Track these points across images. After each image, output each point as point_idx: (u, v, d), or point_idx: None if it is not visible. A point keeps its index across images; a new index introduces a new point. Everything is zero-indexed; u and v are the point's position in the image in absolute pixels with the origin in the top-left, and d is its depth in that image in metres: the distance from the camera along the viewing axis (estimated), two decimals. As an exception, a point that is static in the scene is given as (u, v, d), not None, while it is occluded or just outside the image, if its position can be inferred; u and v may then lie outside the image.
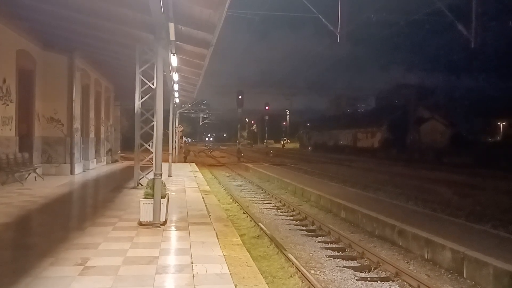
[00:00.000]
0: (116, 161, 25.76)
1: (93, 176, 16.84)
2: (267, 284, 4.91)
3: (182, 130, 41.21)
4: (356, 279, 6.41)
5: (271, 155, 46.37)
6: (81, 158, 17.33)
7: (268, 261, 7.14)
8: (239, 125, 50.77)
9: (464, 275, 6.41)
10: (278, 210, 12.44)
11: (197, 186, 13.96)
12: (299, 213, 11.57)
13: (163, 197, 7.38)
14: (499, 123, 56.15)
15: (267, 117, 79.72)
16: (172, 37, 8.76)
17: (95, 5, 9.45)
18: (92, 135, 19.51)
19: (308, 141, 75.50)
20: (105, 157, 23.24)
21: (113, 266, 4.98)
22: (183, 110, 43.38)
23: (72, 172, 15.85)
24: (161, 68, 8.01)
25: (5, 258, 5.40)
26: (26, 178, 13.50)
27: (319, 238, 8.99)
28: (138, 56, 11.92)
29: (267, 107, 63.43)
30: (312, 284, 5.80)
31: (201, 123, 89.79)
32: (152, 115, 11.84)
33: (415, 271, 6.71)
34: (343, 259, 7.48)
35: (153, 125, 11.34)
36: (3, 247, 6.07)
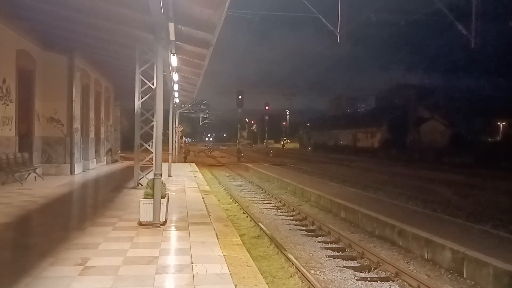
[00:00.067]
0: (116, 161, 25.76)
1: (93, 176, 16.84)
2: (267, 284, 4.90)
3: (182, 130, 41.21)
4: (356, 279, 6.41)
5: (271, 155, 46.39)
6: (81, 158, 17.33)
7: (268, 261, 7.14)
8: (239, 125, 50.75)
9: (464, 275, 6.41)
10: (278, 210, 12.44)
11: (197, 186, 13.95)
12: (299, 213, 11.57)
13: (163, 197, 7.38)
14: (499, 123, 56.19)
15: (267, 117, 79.72)
16: (172, 37, 8.76)
17: (95, 5, 9.45)
18: (92, 135, 19.51)
19: (308, 141, 75.51)
20: (105, 157, 23.24)
21: (113, 266, 4.98)
22: (183, 110, 43.39)
23: (72, 172, 15.86)
24: (161, 68, 8.01)
25: (5, 258, 5.40)
26: (26, 178, 13.50)
27: (319, 238, 8.99)
28: (138, 56, 11.92)
29: (267, 107, 63.43)
30: (312, 284, 5.80)
31: (201, 123, 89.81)
32: (152, 115, 11.84)
33: (415, 271, 6.71)
34: (343, 259, 7.48)
35: (153, 125, 11.34)
36: (3, 247, 6.07)
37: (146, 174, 12.59)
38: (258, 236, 8.91)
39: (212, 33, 8.91)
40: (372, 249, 7.89)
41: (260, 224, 9.75)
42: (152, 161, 11.55)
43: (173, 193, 11.47)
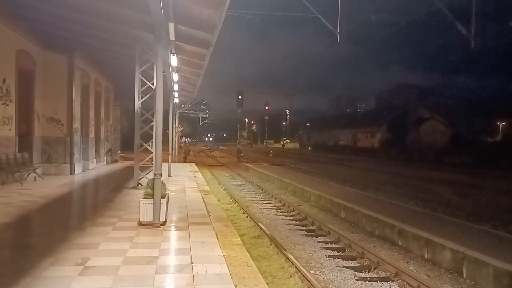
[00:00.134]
0: (116, 161, 25.76)
1: (93, 176, 16.84)
2: (267, 284, 4.91)
3: (182, 130, 41.22)
4: (356, 279, 6.41)
5: (271, 155, 46.41)
6: (81, 158, 17.33)
7: (268, 261, 7.14)
8: (239, 125, 50.75)
9: (464, 275, 6.41)
10: (278, 210, 12.44)
11: (197, 186, 13.96)
12: (299, 213, 11.57)
13: (163, 197, 7.38)
14: (499, 123, 56.19)
15: (267, 117, 79.75)
16: (172, 37, 8.76)
17: (95, 5, 9.45)
18: (92, 135, 19.51)
19: (308, 141, 75.52)
20: (105, 157, 23.24)
21: (113, 266, 4.98)
22: (183, 110, 43.42)
23: (72, 172, 15.86)
24: (161, 68, 8.02)
25: (5, 258, 5.40)
26: (26, 178, 13.50)
27: (319, 238, 8.99)
28: (138, 56, 11.92)
29: (267, 107, 63.45)
30: (312, 284, 5.80)
31: (201, 123, 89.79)
32: (152, 115, 11.84)
33: (415, 271, 6.71)
34: (343, 259, 7.48)
35: (153, 125, 11.35)
36: (3, 247, 6.07)
37: (146, 174, 12.59)
38: (258, 236, 8.91)
39: (212, 33, 8.91)
40: (372, 249, 7.89)
41: (260, 224, 9.75)
42: (152, 161, 11.56)
43: (173, 193, 11.47)
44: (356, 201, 11.63)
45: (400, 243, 8.27)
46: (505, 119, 54.28)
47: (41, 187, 12.38)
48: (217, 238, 6.62)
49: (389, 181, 19.22)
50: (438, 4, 15.07)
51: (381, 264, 6.90)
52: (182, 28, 8.94)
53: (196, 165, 26.15)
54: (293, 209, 12.20)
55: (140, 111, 12.29)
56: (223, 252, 5.78)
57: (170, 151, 20.07)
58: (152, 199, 7.20)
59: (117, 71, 19.02)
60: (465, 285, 6.22)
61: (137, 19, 9.30)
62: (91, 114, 19.49)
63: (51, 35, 14.07)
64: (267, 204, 13.44)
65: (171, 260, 5.43)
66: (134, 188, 12.21)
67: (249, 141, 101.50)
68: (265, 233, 8.86)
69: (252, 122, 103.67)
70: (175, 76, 14.29)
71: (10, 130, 12.86)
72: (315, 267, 6.93)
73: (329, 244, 8.53)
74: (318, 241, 8.73)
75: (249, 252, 6.29)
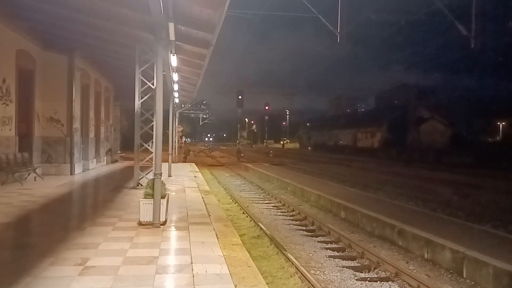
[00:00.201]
0: (116, 161, 25.76)
1: (93, 176, 16.84)
2: (267, 284, 4.91)
3: (182, 130, 41.23)
4: (356, 279, 6.41)
5: (271, 155, 46.40)
6: (80, 158, 17.33)
7: (268, 261, 7.14)
8: (239, 125, 50.79)
9: (464, 275, 6.41)
10: (278, 210, 12.44)
11: (197, 186, 13.96)
12: (299, 213, 11.57)
13: (163, 197, 7.38)
14: (499, 123, 56.20)
15: (267, 117, 79.76)
16: (172, 37, 8.76)
17: (95, 5, 9.45)
18: (92, 135, 19.51)
19: (308, 141, 75.51)
20: (105, 157, 23.24)
21: (113, 266, 4.98)
22: (183, 110, 43.41)
23: (72, 172, 15.86)
24: (161, 68, 8.02)
25: (5, 258, 5.40)
26: (26, 178, 13.50)
27: (319, 238, 8.99)
28: (138, 56, 11.93)
29: (267, 107, 63.44)
30: (312, 284, 5.80)
31: (201, 123, 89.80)
32: (152, 115, 11.85)
33: (415, 271, 6.71)
34: (343, 259, 7.48)
35: (153, 125, 11.35)
36: (3, 247, 6.07)
37: (146, 174, 12.60)
38: (258, 236, 8.91)
39: (212, 33, 8.91)
40: (372, 249, 7.89)
41: (260, 224, 9.75)
42: (152, 161, 11.56)
43: (173, 193, 11.47)
44: (356, 201, 11.63)
45: (400, 243, 8.27)
46: (505, 119, 54.30)
47: (41, 187, 12.38)
48: (217, 238, 6.62)
49: (389, 181, 19.22)
50: (438, 4, 15.08)
51: (381, 264, 6.90)
52: (182, 28, 8.94)
53: (196, 165, 26.15)
54: (293, 209, 12.20)
55: (140, 111, 12.29)
56: (223, 252, 5.78)
57: (170, 151, 20.07)
58: (152, 199, 7.20)
59: (117, 71, 19.02)
60: (465, 285, 6.22)
61: (137, 19, 9.30)
62: (91, 114, 19.49)
63: (51, 35, 14.07)
64: (267, 204, 13.44)
65: (171, 260, 5.44)
66: (134, 188, 12.22)
67: (249, 141, 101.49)
68: (265, 233, 8.86)
69: (252, 122, 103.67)
70: (175, 76, 14.29)
71: (10, 130, 12.86)
72: (315, 267, 6.93)
73: (329, 244, 8.53)
74: (318, 241, 8.73)
75: (249, 252, 6.29)
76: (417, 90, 54.45)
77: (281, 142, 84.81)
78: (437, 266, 6.99)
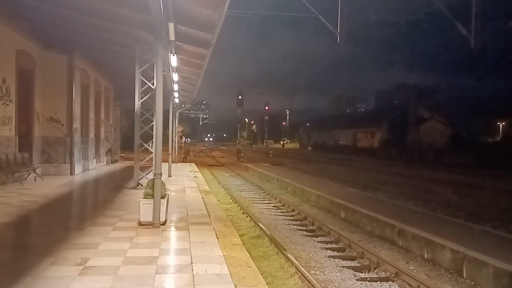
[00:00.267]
0: (116, 161, 25.76)
1: (93, 176, 16.84)
2: (267, 284, 4.91)
3: (182, 130, 41.23)
4: (356, 279, 6.41)
5: (271, 155, 46.38)
6: (80, 158, 17.33)
7: (268, 261, 7.14)
8: (239, 125, 50.81)
9: (464, 275, 6.41)
10: (278, 210, 12.44)
11: (196, 186, 13.96)
12: (298, 213, 11.57)
13: (162, 197, 7.38)
14: (499, 123, 56.22)
15: (267, 117, 79.72)
16: (172, 37, 8.76)
17: (95, 5, 9.45)
18: (91, 135, 19.51)
19: (308, 141, 75.53)
20: (105, 157, 23.24)
21: (113, 266, 4.98)
22: (183, 110, 43.40)
23: (71, 172, 15.86)
24: (161, 68, 8.02)
25: (5, 258, 5.40)
26: (26, 178, 13.50)
27: (319, 238, 8.99)
28: (138, 56, 11.93)
29: (267, 107, 63.41)
30: (311, 284, 5.80)
31: (201, 123, 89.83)
32: (152, 115, 11.85)
33: (414, 271, 6.71)
34: (343, 259, 7.48)
35: (153, 125, 11.35)
36: (3, 247, 6.07)
37: (146, 174, 12.60)
38: (258, 236, 8.91)
39: (212, 33, 8.91)
40: (372, 249, 7.89)
41: (260, 224, 9.75)
42: (152, 161, 11.56)
43: (173, 193, 11.47)
44: (356, 201, 11.63)
45: (400, 243, 8.27)
46: (505, 119, 54.31)
47: (41, 187, 12.38)
48: (217, 238, 6.62)
49: (389, 181, 19.22)
50: (438, 4, 15.08)
51: (381, 264, 6.90)
52: (182, 28, 8.94)
53: (196, 165, 26.16)
54: (293, 209, 12.20)
55: (140, 111, 12.29)
56: (223, 252, 5.78)
57: (170, 151, 20.07)
58: (152, 199, 7.20)
59: (117, 71, 19.01)
60: (465, 285, 6.22)
61: (137, 19, 9.30)
62: (91, 114, 19.49)
63: (51, 35, 14.07)
64: (267, 204, 13.44)
65: (171, 260, 5.44)
66: (134, 188, 12.21)
67: (249, 141, 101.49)
68: (265, 233, 8.86)
69: (252, 122, 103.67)
70: (175, 76, 14.29)
71: (10, 130, 12.86)
72: (315, 267, 6.93)
73: (329, 244, 8.53)
74: (318, 241, 8.73)
75: (249, 252, 6.29)
76: (417, 90, 54.52)
77: (281, 142, 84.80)
78: (437, 266, 6.99)
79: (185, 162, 30.05)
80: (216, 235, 6.82)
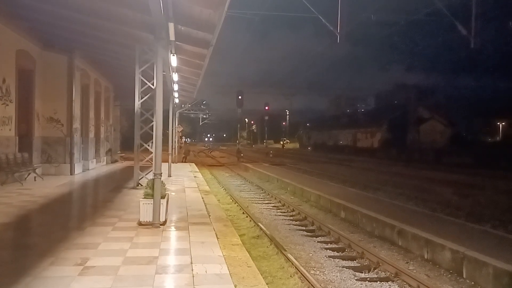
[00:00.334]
0: (115, 161, 25.76)
1: (93, 176, 16.84)
2: (267, 284, 4.91)
3: (182, 130, 41.22)
4: (356, 279, 6.41)
5: (271, 155, 46.38)
6: (80, 158, 17.33)
7: (268, 261, 7.14)
8: (238, 125, 50.83)
9: (464, 275, 6.41)
10: (278, 210, 12.45)
11: (196, 186, 13.96)
12: (298, 213, 11.57)
13: (162, 197, 7.38)
14: (498, 123, 56.24)
15: (266, 117, 79.71)
16: (172, 37, 8.76)
17: (95, 5, 9.45)
18: (91, 135, 19.51)
19: (308, 141, 75.55)
20: (105, 157, 23.25)
21: (113, 266, 4.98)
22: (183, 110, 43.42)
23: (71, 172, 15.86)
24: (161, 68, 8.02)
25: (5, 258, 5.40)
26: (26, 178, 13.50)
27: (319, 238, 8.99)
28: (138, 56, 11.93)
29: (267, 107, 63.41)
30: (311, 284, 5.80)
31: (200, 123, 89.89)
32: (152, 115, 11.85)
33: (414, 271, 6.71)
34: (343, 259, 7.48)
35: (152, 125, 11.35)
36: (3, 247, 6.07)
37: (146, 174, 12.60)
38: (258, 236, 8.91)
39: (212, 33, 8.91)
40: (372, 249, 7.89)
41: (259, 224, 9.75)
42: (152, 161, 11.56)
43: (173, 193, 11.47)
44: (355, 201, 11.63)
45: (400, 243, 8.27)
46: (505, 119, 54.36)
47: (41, 187, 12.38)
48: (217, 238, 6.62)
49: (389, 181, 19.23)
50: (438, 4, 15.08)
51: (381, 264, 6.90)
52: (182, 28, 8.94)
53: (196, 165, 26.16)
54: (293, 209, 12.20)
55: (140, 111, 12.29)
56: (223, 252, 5.78)
57: (170, 151, 20.08)
58: (152, 199, 7.20)
59: (117, 71, 19.02)
60: (465, 285, 6.22)
61: (137, 19, 9.30)
62: (91, 114, 19.49)
63: (51, 35, 14.07)
64: (267, 204, 13.44)
65: (171, 260, 5.44)
66: (134, 188, 12.22)
67: (249, 141, 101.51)
68: (265, 233, 8.86)
69: (252, 122, 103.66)
70: (175, 76, 14.30)
71: (10, 130, 12.86)
72: (315, 267, 6.93)
73: (329, 244, 8.53)
74: (318, 241, 8.73)
75: (249, 252, 6.29)
76: (417, 90, 54.50)
77: (281, 142, 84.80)
78: (437, 266, 6.99)
79: (185, 162, 30.05)
80: (216, 235, 6.82)
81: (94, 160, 19.96)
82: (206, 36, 9.27)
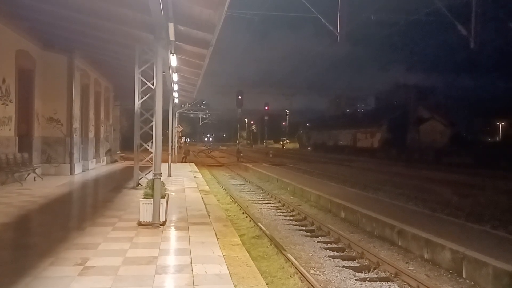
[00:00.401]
0: (115, 161, 25.76)
1: (93, 176, 16.84)
2: (267, 284, 4.91)
3: (182, 130, 41.21)
4: (356, 279, 6.41)
5: (271, 155, 46.39)
6: (80, 158, 17.33)
7: (268, 261, 7.14)
8: (238, 125, 50.78)
9: (464, 275, 6.41)
10: (278, 210, 12.44)
11: (196, 186, 13.96)
12: (298, 213, 11.57)
13: (162, 197, 7.39)
14: (498, 123, 56.26)
15: (266, 117, 79.72)
16: (172, 37, 8.76)
17: (95, 5, 9.45)
18: (91, 135, 19.51)
19: (308, 141, 75.53)
20: (105, 157, 23.25)
21: (112, 266, 4.98)
22: (183, 110, 43.42)
23: (71, 172, 15.85)
24: (161, 68, 8.03)
25: (5, 258, 5.40)
26: (26, 178, 13.50)
27: (319, 238, 8.99)
28: (138, 56, 11.93)
29: (266, 107, 63.46)
30: (311, 284, 5.80)
31: (200, 123, 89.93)
32: (152, 115, 11.85)
33: (414, 271, 6.71)
34: (343, 259, 7.48)
35: (152, 125, 11.35)
36: (3, 247, 6.07)
37: (145, 174, 12.60)
38: (258, 236, 8.91)
39: (212, 33, 8.91)
40: (372, 249, 7.89)
41: (259, 224, 9.75)
42: (152, 161, 11.56)
43: (173, 193, 11.47)
44: (355, 201, 11.63)
45: (399, 243, 8.27)
46: (505, 119, 54.39)
47: (41, 187, 12.38)
48: (217, 238, 6.62)
49: (388, 181, 19.23)
50: (438, 4, 15.08)
51: (380, 264, 6.90)
52: (182, 28, 8.94)
53: (195, 165, 26.16)
54: (292, 209, 12.20)
55: (140, 111, 12.29)
56: (223, 252, 5.78)
57: (169, 151, 20.07)
58: (152, 199, 7.20)
59: (117, 71, 19.01)
60: (465, 285, 6.22)
61: (137, 19, 9.30)
62: (91, 114, 19.49)
63: (51, 35, 14.07)
64: (266, 204, 13.44)
65: (171, 260, 5.44)
66: (133, 188, 12.22)
67: (248, 141, 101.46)
68: (265, 233, 8.86)
69: (252, 122, 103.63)
70: (175, 76, 14.29)
71: (9, 130, 12.86)
72: (314, 267, 6.93)
73: (328, 244, 8.53)
74: (317, 241, 8.73)
75: (248, 252, 6.29)
76: (417, 90, 54.54)
77: (281, 142, 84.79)
78: (437, 266, 6.99)
79: (184, 162, 30.05)
80: (216, 235, 6.82)
81: (94, 160, 19.96)
82: (206, 36, 9.27)
